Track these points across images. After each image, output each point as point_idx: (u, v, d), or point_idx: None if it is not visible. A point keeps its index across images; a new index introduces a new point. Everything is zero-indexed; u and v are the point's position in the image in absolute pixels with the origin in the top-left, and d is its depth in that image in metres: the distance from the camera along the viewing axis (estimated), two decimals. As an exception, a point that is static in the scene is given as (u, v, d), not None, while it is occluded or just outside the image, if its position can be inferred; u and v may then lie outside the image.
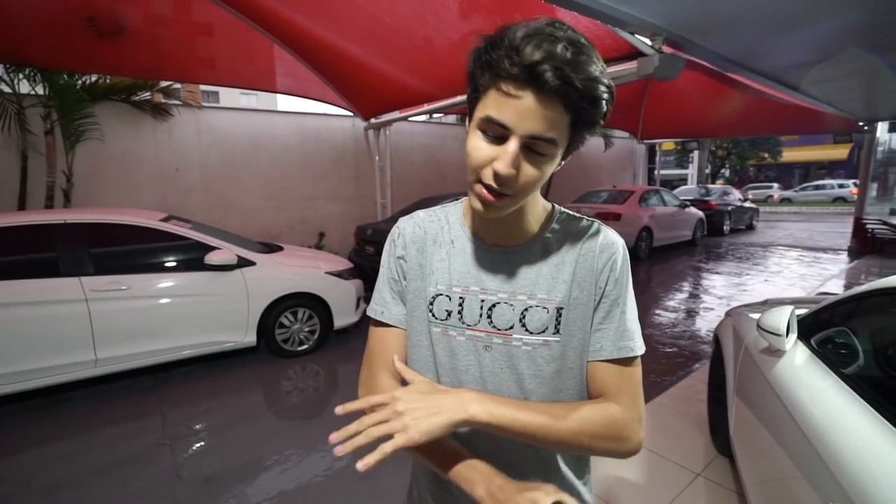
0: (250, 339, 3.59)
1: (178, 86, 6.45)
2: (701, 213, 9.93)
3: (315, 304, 3.83)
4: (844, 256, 8.33)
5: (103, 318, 3.01)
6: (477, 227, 0.73)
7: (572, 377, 0.69)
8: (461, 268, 0.72)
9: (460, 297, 0.70)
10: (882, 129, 8.69)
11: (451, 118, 11.39)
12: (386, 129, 7.18)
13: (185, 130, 6.24)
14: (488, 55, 0.55)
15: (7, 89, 5.01)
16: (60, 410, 2.98)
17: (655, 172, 13.33)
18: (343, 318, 3.98)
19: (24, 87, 5.14)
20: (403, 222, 0.79)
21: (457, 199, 0.79)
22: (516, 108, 0.54)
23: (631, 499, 2.07)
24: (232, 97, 18.40)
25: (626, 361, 0.67)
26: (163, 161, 6.10)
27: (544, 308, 0.67)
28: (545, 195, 0.74)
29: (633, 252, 7.75)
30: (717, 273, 7.11)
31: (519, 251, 0.70)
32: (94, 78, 5.64)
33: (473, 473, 0.60)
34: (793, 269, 7.35)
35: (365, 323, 3.64)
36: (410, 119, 7.25)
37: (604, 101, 0.55)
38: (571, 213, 0.74)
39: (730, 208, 11.79)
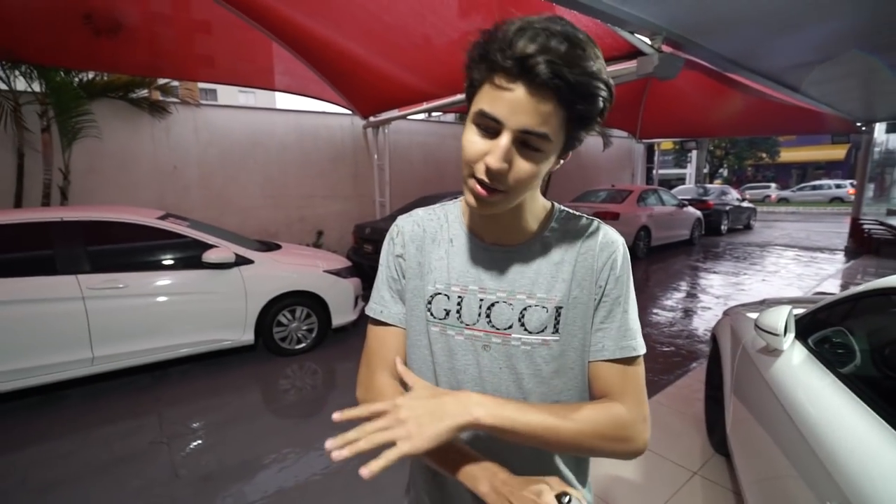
0: (248, 337, 3.58)
1: (175, 83, 6.41)
2: (699, 213, 9.95)
3: (313, 303, 3.82)
4: (841, 256, 8.36)
5: (100, 316, 2.99)
6: (476, 226, 0.72)
7: (572, 377, 0.68)
8: (460, 267, 0.71)
9: (459, 297, 0.70)
10: (880, 129, 8.73)
11: (450, 117, 11.39)
12: (385, 127, 7.17)
13: (182, 128, 6.21)
14: (483, 49, 0.54)
15: (3, 86, 4.98)
16: (57, 409, 2.96)
17: (654, 172, 13.33)
18: (341, 316, 3.97)
19: (21, 84, 5.11)
20: (402, 220, 0.78)
21: (456, 198, 0.78)
22: (508, 101, 0.53)
23: (628, 497, 2.07)
24: (230, 95, 18.32)
25: (629, 361, 0.66)
26: (160, 159, 6.07)
27: (543, 307, 0.66)
28: (543, 194, 0.73)
29: (632, 251, 7.65)
30: (714, 272, 7.13)
31: (518, 250, 0.69)
32: (91, 75, 5.61)
33: (476, 470, 0.59)
34: (790, 268, 7.37)
35: (363, 321, 3.62)
36: (409, 117, 7.22)
37: (600, 98, 0.54)
38: (571, 211, 0.73)
39: (727, 208, 11.81)
